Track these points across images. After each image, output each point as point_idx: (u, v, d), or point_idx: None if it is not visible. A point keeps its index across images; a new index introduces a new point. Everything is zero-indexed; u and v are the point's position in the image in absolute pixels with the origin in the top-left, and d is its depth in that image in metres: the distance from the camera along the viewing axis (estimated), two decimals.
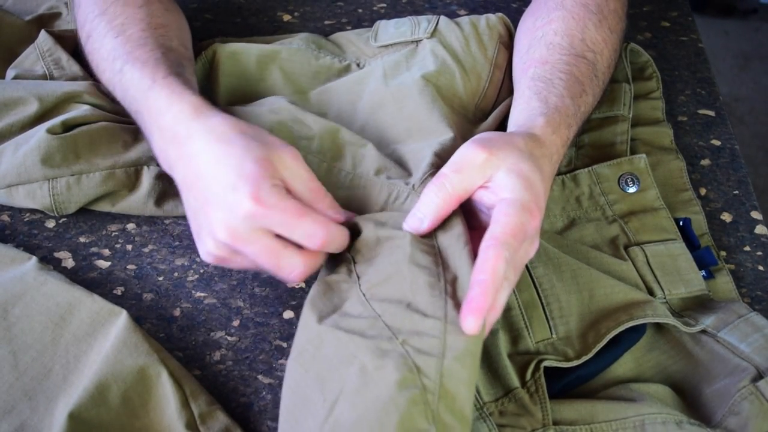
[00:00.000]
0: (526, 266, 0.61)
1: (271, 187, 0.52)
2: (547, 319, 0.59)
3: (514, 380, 0.55)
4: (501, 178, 0.52)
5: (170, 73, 0.61)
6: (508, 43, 0.75)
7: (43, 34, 0.76)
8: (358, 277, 0.54)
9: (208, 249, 0.55)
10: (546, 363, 0.56)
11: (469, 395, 0.45)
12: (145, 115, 0.61)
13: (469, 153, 0.53)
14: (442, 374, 0.45)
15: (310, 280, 0.64)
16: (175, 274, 0.65)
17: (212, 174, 0.53)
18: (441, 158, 0.60)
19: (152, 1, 0.69)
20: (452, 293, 0.49)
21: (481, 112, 0.72)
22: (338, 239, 0.55)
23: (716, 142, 0.78)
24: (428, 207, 0.53)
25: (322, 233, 0.53)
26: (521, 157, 0.53)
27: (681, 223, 0.67)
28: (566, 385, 0.57)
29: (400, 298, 0.50)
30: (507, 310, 0.60)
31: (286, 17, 0.88)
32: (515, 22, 0.76)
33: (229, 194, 0.52)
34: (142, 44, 0.64)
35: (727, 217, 0.71)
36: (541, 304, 0.60)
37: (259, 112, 0.63)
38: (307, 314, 0.52)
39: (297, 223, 0.52)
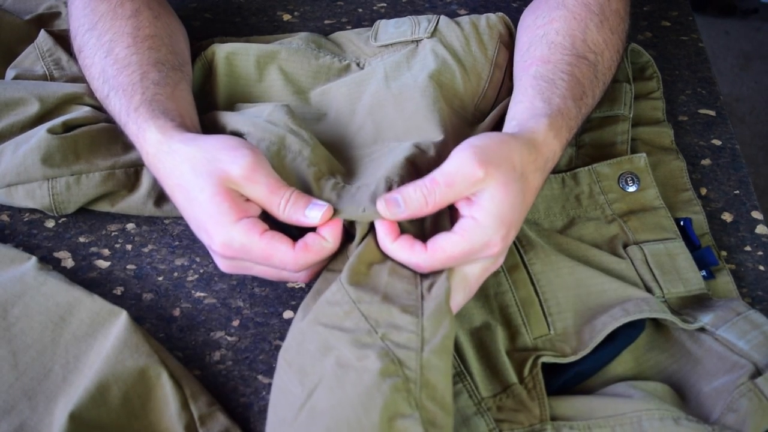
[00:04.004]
0: (524, 264, 0.62)
1: (234, 226, 0.53)
2: (544, 315, 0.59)
3: (512, 376, 0.55)
4: (484, 198, 0.52)
5: (143, 101, 0.60)
6: (508, 43, 0.75)
7: (42, 34, 0.76)
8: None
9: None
10: (543, 359, 0.56)
11: (448, 385, 0.47)
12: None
13: (466, 168, 0.52)
14: (422, 366, 0.47)
15: (310, 281, 0.64)
16: (175, 274, 0.65)
17: (188, 218, 0.57)
18: (413, 164, 0.59)
19: (141, 10, 0.68)
20: (428, 296, 0.51)
21: (480, 112, 0.72)
22: (310, 260, 0.54)
23: (717, 142, 0.77)
24: (412, 202, 0.52)
25: (291, 266, 0.54)
26: (512, 177, 0.53)
27: (682, 223, 0.67)
28: (565, 382, 0.57)
29: (375, 289, 0.51)
30: (505, 307, 0.60)
31: (286, 17, 0.88)
32: (515, 22, 0.75)
33: (205, 237, 0.55)
34: (126, 65, 0.64)
35: (727, 217, 0.71)
36: (539, 300, 0.60)
37: (254, 121, 0.62)
38: (297, 314, 0.54)
39: (268, 262, 0.54)
